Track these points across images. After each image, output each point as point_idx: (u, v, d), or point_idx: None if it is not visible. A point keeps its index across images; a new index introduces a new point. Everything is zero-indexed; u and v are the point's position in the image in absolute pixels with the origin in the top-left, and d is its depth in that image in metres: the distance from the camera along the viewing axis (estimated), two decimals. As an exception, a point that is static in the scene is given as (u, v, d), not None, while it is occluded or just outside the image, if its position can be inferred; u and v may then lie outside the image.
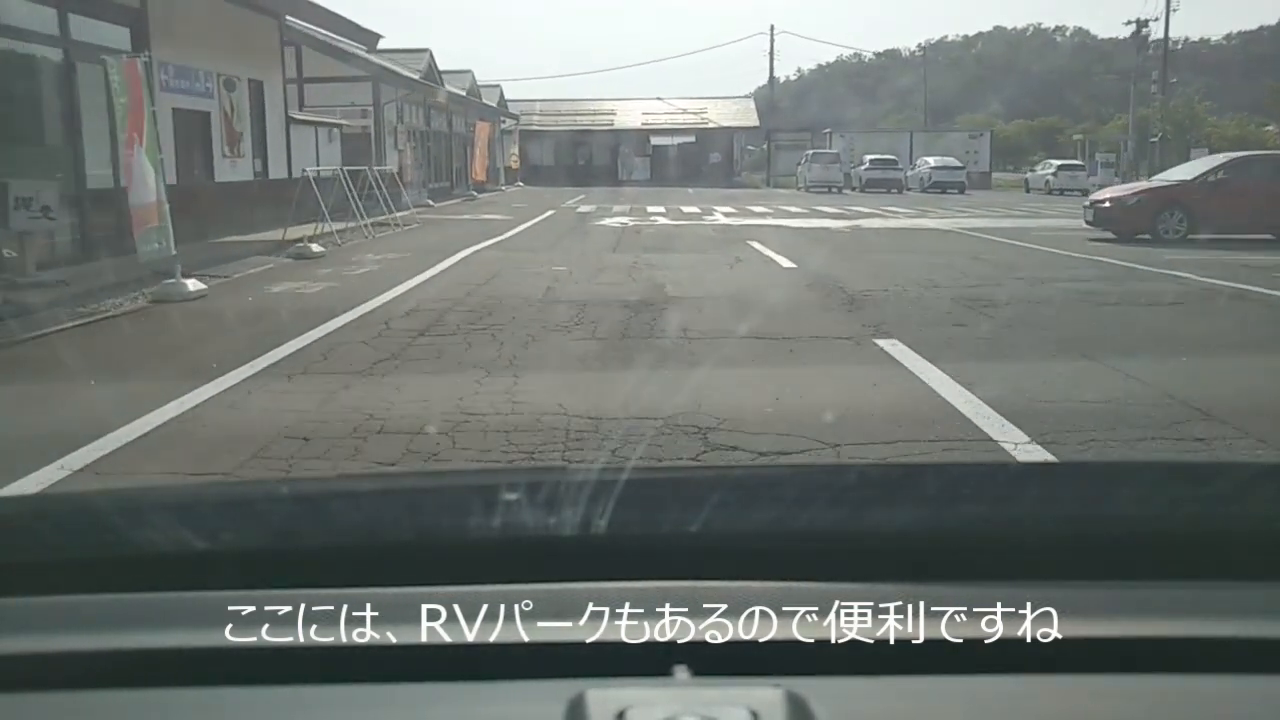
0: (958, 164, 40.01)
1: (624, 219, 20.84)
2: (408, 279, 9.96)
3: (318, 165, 18.91)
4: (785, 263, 11.54)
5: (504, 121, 42.01)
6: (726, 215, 22.41)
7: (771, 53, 50.53)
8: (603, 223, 19.76)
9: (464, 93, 31.83)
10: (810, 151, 40.58)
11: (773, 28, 50.50)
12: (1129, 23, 49.73)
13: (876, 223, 20.11)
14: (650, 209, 24.85)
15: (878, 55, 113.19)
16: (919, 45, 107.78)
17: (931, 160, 39.73)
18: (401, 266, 11.17)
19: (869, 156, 39.32)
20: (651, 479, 1.05)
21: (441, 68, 32.60)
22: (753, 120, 48.59)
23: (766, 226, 18.88)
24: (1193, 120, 48.19)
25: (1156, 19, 49.22)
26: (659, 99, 50.32)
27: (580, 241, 15.10)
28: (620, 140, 48.20)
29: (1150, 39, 48.60)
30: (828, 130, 50.24)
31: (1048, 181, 38.50)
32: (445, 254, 12.60)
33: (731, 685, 0.68)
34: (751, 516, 0.88)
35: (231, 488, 1.50)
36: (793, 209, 25.04)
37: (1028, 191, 40.02)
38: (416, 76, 25.40)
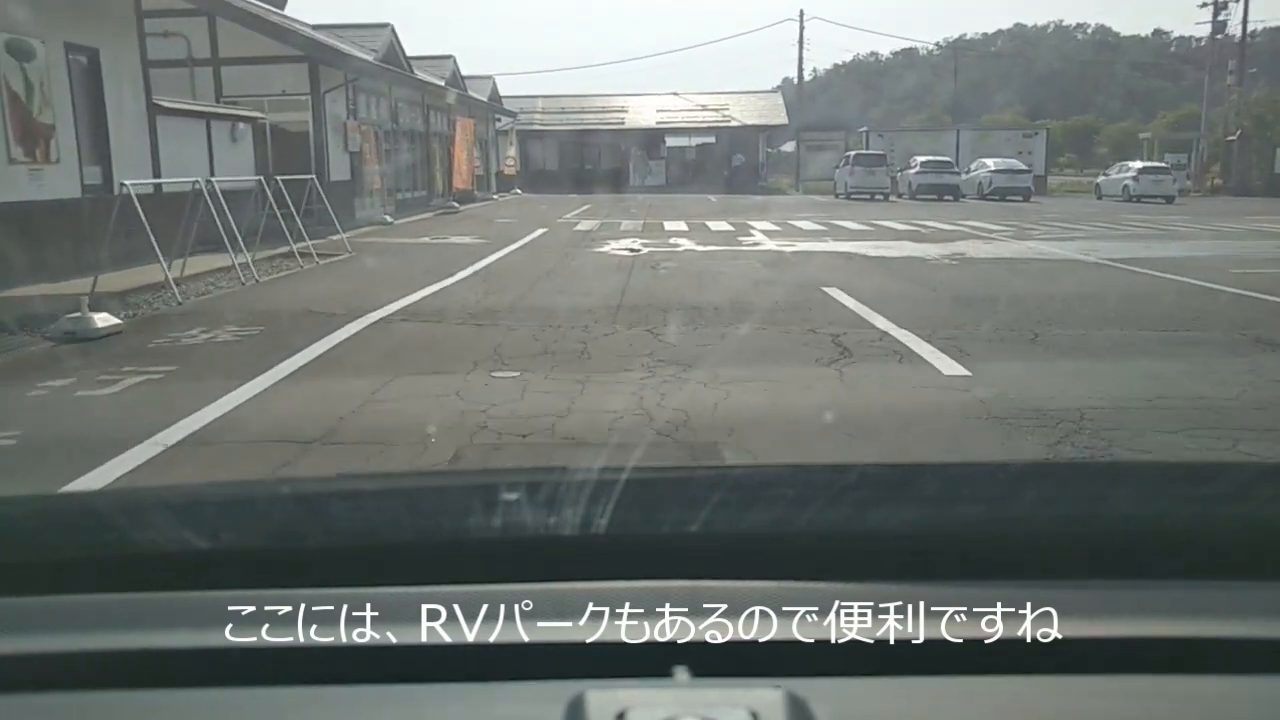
0: (1023, 167, 34.61)
1: (634, 243, 15.55)
2: (144, 440, 4.66)
3: (211, 174, 13.71)
4: (937, 360, 6.12)
5: (499, 119, 36.81)
6: (769, 235, 17.10)
7: (801, 41, 45.17)
8: (605, 249, 14.48)
9: (442, 83, 26.60)
10: (851, 153, 35.18)
11: (802, 13, 45.15)
12: (1205, 4, 44.18)
13: (979, 248, 14.73)
14: (668, 225, 19.56)
15: (894, 55, 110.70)
16: (936, 44, 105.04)
17: (991, 163, 34.34)
18: (185, 387, 5.89)
19: (920, 158, 33.93)
20: (651, 479, 1.02)
21: (421, 53, 27.42)
22: (781, 118, 43.23)
23: (833, 255, 13.56)
24: (1277, 115, 42.49)
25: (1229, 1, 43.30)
26: (675, 94, 45.01)
27: (563, 291, 9.81)
28: (631, 141, 42.88)
29: (1173, 35, 42.95)
30: (864, 129, 44.83)
31: (1126, 187, 33.00)
32: (317, 334, 7.30)
33: (731, 685, 0.67)
34: (751, 516, 0.87)
35: (232, 488, 1.34)
36: (850, 224, 19.71)
37: (1099, 198, 34.62)
38: (370, 58, 20.15)
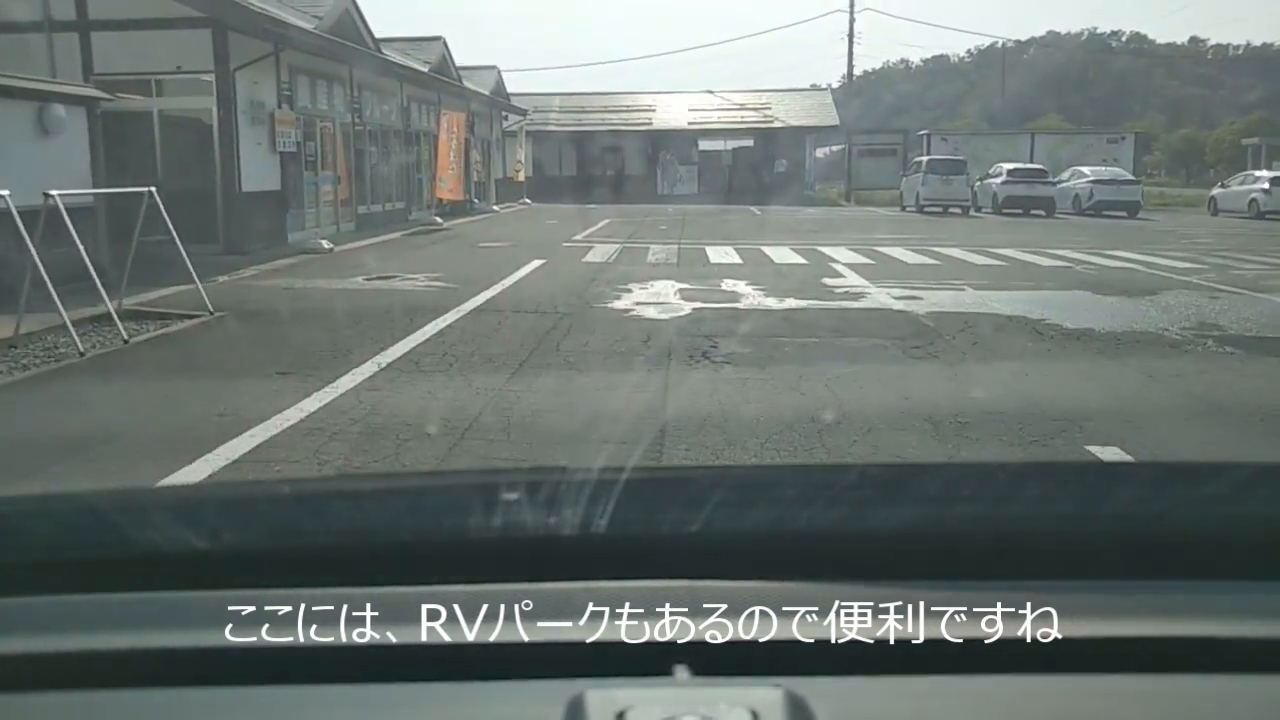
0: (1128, 176, 29.07)
1: (668, 289, 10.19)
2: None
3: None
4: None
5: (506, 118, 31.57)
6: (864, 274, 11.64)
7: (851, 34, 39.72)
8: (622, 305, 9.13)
9: (426, 68, 21.33)
10: (924, 158, 29.65)
11: (853, 3, 39.66)
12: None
13: (1235, 312, 9.27)
14: (714, 254, 14.21)
15: (924, 62, 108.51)
16: (968, 51, 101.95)
17: (1088, 171, 28.76)
18: None
19: (1006, 166, 28.39)
20: (651, 479, 1.01)
21: (403, 34, 22.28)
22: (830, 118, 37.70)
23: (1011, 327, 8.13)
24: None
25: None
26: (709, 92, 39.61)
27: (518, 467, 4.41)
28: (660, 144, 37.49)
29: (1211, 44, 36.99)
30: (924, 132, 39.36)
31: (1254, 201, 27.40)
32: None
33: (731, 685, 0.67)
34: (751, 516, 0.87)
35: (231, 488, 1.34)
36: (960, 253, 14.24)
37: (1214, 213, 29.00)
38: (309, 26, 14.88)
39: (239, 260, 12.52)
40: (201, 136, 13.21)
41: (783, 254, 14.41)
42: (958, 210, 27.42)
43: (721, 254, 14.32)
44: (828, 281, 11.14)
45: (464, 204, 23.63)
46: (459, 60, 26.25)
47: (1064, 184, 28.66)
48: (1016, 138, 39.72)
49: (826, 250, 14.94)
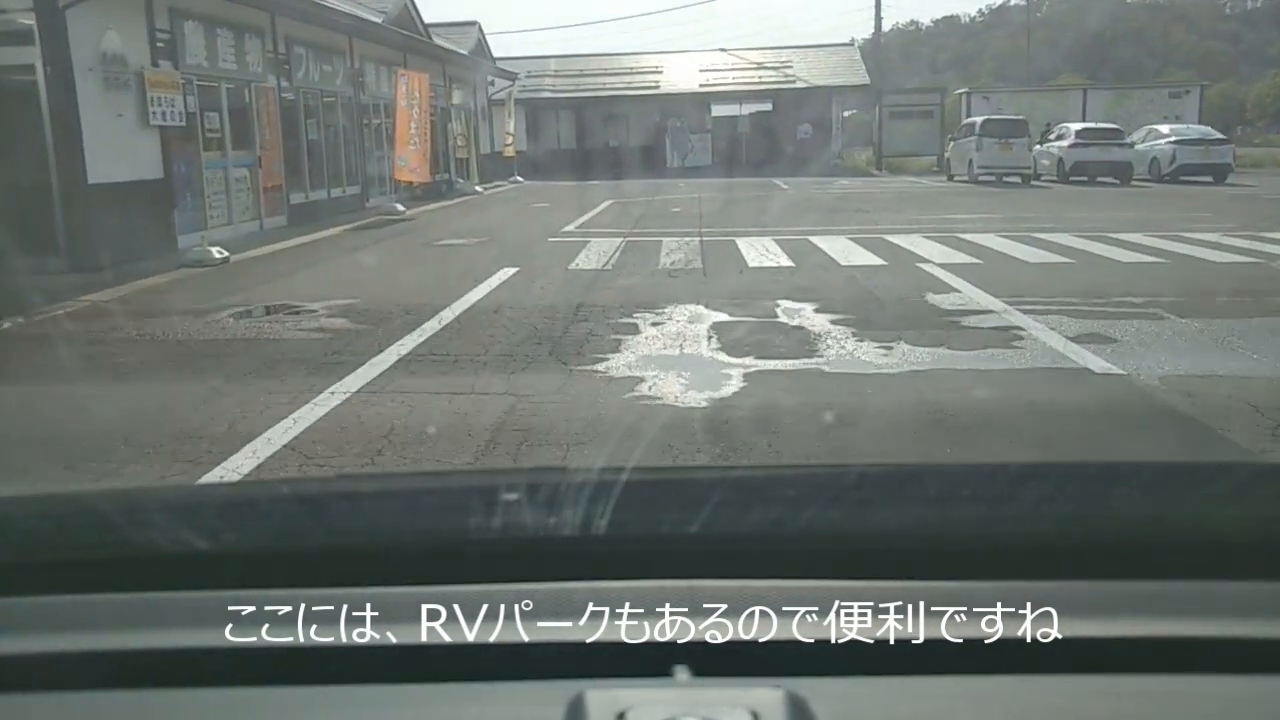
0: (1216, 135, 24.86)
1: (697, 318, 6.38)
2: None
3: None
4: None
5: (492, 84, 27.59)
6: (971, 278, 7.80)
7: (879, -18, 35.41)
8: (623, 359, 5.31)
9: (379, 19, 17.38)
10: (979, 118, 25.52)
11: (881, -53, 35.36)
12: None
13: None
14: (748, 248, 10.37)
15: (934, 23, 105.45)
16: (979, 11, 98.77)
17: (1167, 130, 24.65)
18: None
19: (1075, 126, 24.41)
20: (651, 479, 1.01)
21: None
22: (859, 76, 33.51)
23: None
24: None
25: None
26: (723, 50, 35.49)
27: None
28: (668, 110, 33.43)
29: None
30: (963, 90, 35.24)
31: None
32: None
33: (731, 685, 0.67)
34: (751, 516, 0.86)
35: (232, 488, 1.29)
36: (1087, 244, 10.36)
37: (1311, 175, 24.94)
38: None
39: (82, 282, 8.80)
40: (35, 107, 9.41)
41: (843, 249, 10.56)
42: (1016, 179, 23.47)
43: (760, 250, 10.50)
44: (936, 301, 7.32)
45: (437, 185, 19.77)
46: (430, 18, 22.36)
47: (1138, 145, 24.68)
48: (1067, 94, 35.53)
49: (899, 241, 11.09)
